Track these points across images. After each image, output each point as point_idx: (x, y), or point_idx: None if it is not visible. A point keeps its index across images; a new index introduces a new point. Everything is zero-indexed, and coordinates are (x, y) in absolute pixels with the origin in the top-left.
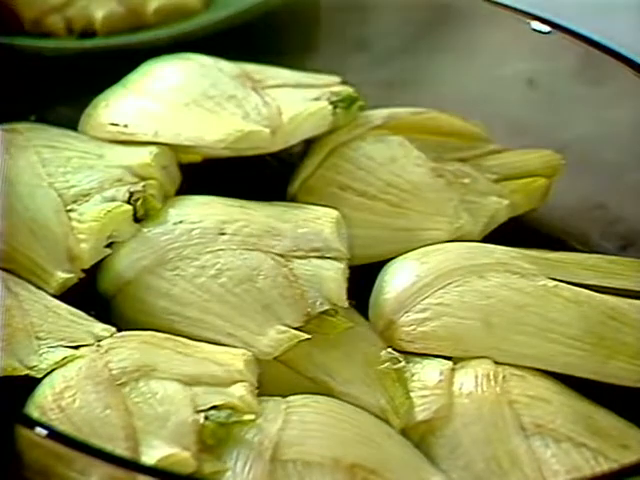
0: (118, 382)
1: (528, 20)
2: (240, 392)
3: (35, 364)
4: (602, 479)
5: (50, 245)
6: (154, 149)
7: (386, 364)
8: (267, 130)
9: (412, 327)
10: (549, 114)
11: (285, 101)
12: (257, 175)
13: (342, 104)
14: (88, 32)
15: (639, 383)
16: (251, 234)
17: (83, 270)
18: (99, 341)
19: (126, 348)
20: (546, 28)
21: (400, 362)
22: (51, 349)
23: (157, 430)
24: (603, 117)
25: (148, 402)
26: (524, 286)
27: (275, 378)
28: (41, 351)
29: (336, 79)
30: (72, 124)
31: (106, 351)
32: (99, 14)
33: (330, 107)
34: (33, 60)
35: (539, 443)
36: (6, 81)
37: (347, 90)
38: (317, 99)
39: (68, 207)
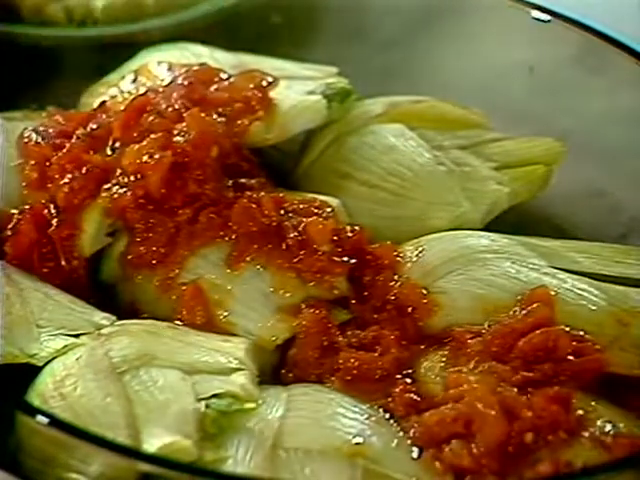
0: (119, 370)
1: (528, 9)
2: (241, 380)
3: (36, 352)
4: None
5: None
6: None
7: None
8: (259, 123)
9: None
10: (550, 102)
11: (280, 94)
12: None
13: (337, 97)
14: (88, 21)
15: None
16: None
17: (85, 259)
18: (99, 329)
19: (126, 336)
20: (546, 17)
21: None
22: (51, 337)
23: (158, 418)
24: (603, 105)
25: (149, 390)
26: (525, 274)
27: None
28: (42, 339)
29: (333, 70)
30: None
31: (106, 339)
32: (99, 3)
33: (324, 101)
34: (33, 48)
35: None
36: (6, 69)
37: (342, 83)
38: (312, 92)
39: None
